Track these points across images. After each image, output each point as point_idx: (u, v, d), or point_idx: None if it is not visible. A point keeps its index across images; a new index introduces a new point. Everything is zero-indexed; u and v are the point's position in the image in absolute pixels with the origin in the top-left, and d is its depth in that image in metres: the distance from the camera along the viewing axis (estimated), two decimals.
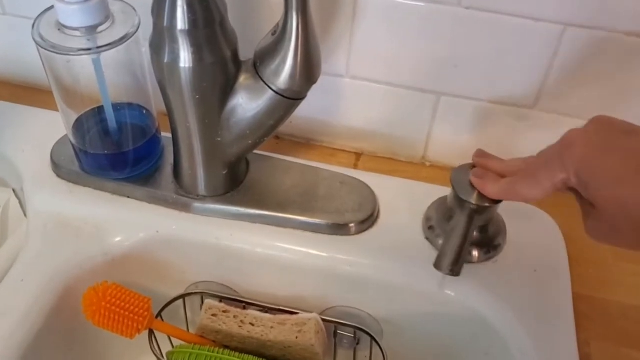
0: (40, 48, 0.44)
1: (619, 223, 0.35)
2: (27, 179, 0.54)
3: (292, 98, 0.45)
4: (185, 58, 0.41)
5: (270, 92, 0.44)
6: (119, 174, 0.52)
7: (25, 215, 0.56)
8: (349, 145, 0.62)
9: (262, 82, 0.44)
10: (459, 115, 0.56)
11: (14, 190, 0.59)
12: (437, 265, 0.45)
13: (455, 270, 0.44)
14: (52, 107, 0.53)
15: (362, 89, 0.56)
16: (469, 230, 0.45)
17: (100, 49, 0.43)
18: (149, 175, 0.53)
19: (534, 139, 0.54)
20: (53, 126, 0.56)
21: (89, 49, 0.43)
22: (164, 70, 0.43)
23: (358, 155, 0.61)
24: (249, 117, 0.46)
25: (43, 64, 0.47)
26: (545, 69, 0.51)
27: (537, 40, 0.49)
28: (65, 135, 0.54)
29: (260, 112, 0.45)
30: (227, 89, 0.45)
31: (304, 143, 0.62)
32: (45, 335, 0.47)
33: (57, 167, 0.54)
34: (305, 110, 0.58)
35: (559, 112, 0.53)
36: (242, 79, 0.45)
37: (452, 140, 0.58)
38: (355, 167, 0.60)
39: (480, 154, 0.47)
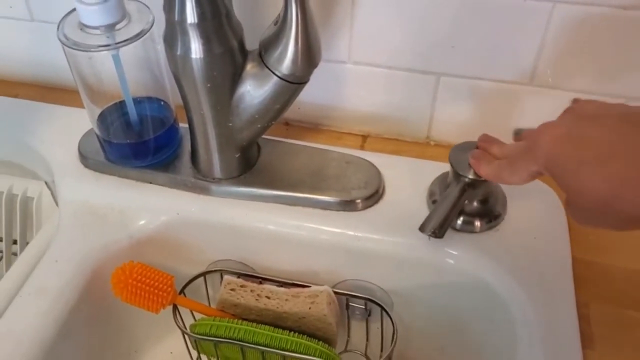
0: (64, 46, 0.48)
1: (589, 209, 0.36)
2: (57, 170, 0.59)
3: (295, 82, 0.48)
4: (196, 49, 0.45)
5: (275, 77, 0.47)
6: (141, 161, 0.56)
7: (57, 205, 0.61)
8: (355, 129, 0.65)
9: (267, 69, 0.47)
10: (459, 94, 0.58)
11: (46, 183, 0.64)
12: (422, 227, 0.48)
13: (437, 233, 0.47)
14: (78, 104, 0.57)
15: (364, 73, 0.59)
16: (459, 199, 0.48)
17: (118, 44, 0.47)
18: (168, 162, 0.57)
19: (532, 114, 0.57)
20: (79, 122, 0.60)
21: (108, 45, 0.47)
22: (178, 62, 0.47)
23: (364, 137, 0.64)
24: (256, 102, 0.49)
25: (68, 62, 0.51)
26: (538, 45, 0.53)
27: (528, 18, 0.51)
28: (91, 129, 0.59)
29: (267, 97, 0.49)
30: (236, 77, 0.48)
31: (312, 128, 0.65)
32: (78, 311, 0.51)
33: (84, 158, 0.58)
34: (312, 96, 0.62)
35: (554, 87, 0.55)
36: (249, 67, 0.48)
37: (454, 119, 0.61)
38: (362, 148, 0.63)
39: (485, 138, 0.49)
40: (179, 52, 0.46)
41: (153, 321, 0.59)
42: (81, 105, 0.56)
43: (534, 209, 0.54)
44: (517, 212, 0.53)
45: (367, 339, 0.59)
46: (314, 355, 0.50)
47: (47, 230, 0.58)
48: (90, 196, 0.57)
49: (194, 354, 0.59)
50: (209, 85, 0.47)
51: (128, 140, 0.55)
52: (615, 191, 0.34)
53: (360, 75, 0.60)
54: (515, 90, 0.57)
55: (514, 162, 0.43)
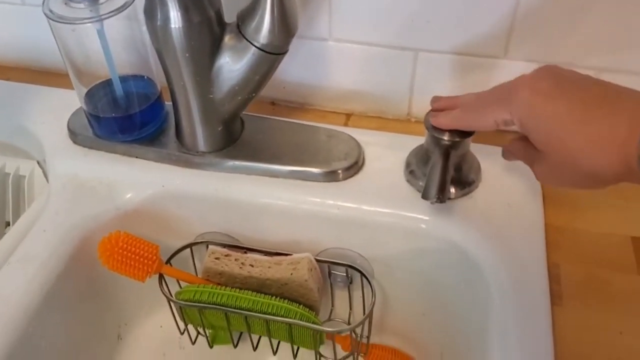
0: (50, 20, 0.50)
1: (560, 164, 0.39)
2: (48, 146, 0.61)
3: (273, 53, 0.50)
4: (174, 18, 0.47)
5: (253, 48, 0.49)
6: (127, 136, 0.58)
7: (48, 182, 0.62)
8: (339, 107, 0.66)
9: (245, 40, 0.49)
10: (437, 69, 0.60)
11: (38, 162, 0.66)
12: (425, 195, 0.49)
13: (440, 197, 0.48)
14: (68, 86, 0.59)
15: (345, 50, 0.61)
16: (447, 162, 0.50)
17: (101, 16, 0.49)
18: (154, 137, 0.58)
19: None
20: (69, 102, 0.62)
21: (91, 17, 0.49)
22: (158, 33, 0.48)
23: (348, 115, 0.66)
24: (236, 73, 0.51)
25: (55, 39, 0.53)
26: (510, 18, 0.54)
27: None
28: (80, 107, 0.60)
29: (247, 68, 0.50)
30: (214, 48, 0.50)
31: (298, 107, 0.67)
32: (65, 279, 0.52)
33: (74, 135, 0.60)
34: (297, 75, 0.63)
35: (527, 59, 0.57)
36: (227, 38, 0.50)
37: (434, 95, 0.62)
38: (346, 125, 0.64)
39: (435, 99, 0.51)
40: (158, 23, 0.47)
41: (143, 294, 0.60)
42: (71, 87, 0.57)
43: (509, 179, 0.56)
44: (491, 179, 0.55)
45: (350, 308, 0.61)
46: (295, 318, 0.52)
47: (38, 204, 0.60)
48: (79, 170, 0.58)
49: (182, 325, 0.61)
50: (187, 55, 0.49)
51: (114, 115, 0.57)
52: (590, 150, 0.36)
53: (341, 53, 0.61)
54: (491, 63, 0.58)
55: (482, 107, 0.44)
